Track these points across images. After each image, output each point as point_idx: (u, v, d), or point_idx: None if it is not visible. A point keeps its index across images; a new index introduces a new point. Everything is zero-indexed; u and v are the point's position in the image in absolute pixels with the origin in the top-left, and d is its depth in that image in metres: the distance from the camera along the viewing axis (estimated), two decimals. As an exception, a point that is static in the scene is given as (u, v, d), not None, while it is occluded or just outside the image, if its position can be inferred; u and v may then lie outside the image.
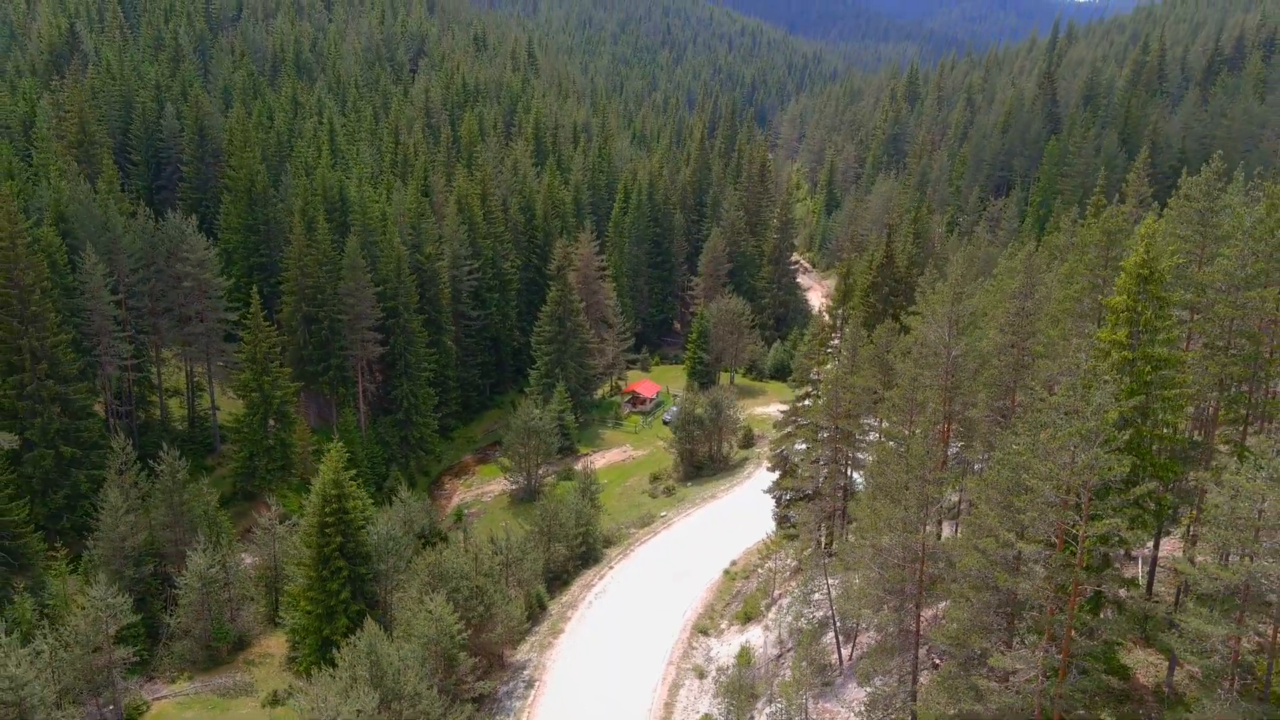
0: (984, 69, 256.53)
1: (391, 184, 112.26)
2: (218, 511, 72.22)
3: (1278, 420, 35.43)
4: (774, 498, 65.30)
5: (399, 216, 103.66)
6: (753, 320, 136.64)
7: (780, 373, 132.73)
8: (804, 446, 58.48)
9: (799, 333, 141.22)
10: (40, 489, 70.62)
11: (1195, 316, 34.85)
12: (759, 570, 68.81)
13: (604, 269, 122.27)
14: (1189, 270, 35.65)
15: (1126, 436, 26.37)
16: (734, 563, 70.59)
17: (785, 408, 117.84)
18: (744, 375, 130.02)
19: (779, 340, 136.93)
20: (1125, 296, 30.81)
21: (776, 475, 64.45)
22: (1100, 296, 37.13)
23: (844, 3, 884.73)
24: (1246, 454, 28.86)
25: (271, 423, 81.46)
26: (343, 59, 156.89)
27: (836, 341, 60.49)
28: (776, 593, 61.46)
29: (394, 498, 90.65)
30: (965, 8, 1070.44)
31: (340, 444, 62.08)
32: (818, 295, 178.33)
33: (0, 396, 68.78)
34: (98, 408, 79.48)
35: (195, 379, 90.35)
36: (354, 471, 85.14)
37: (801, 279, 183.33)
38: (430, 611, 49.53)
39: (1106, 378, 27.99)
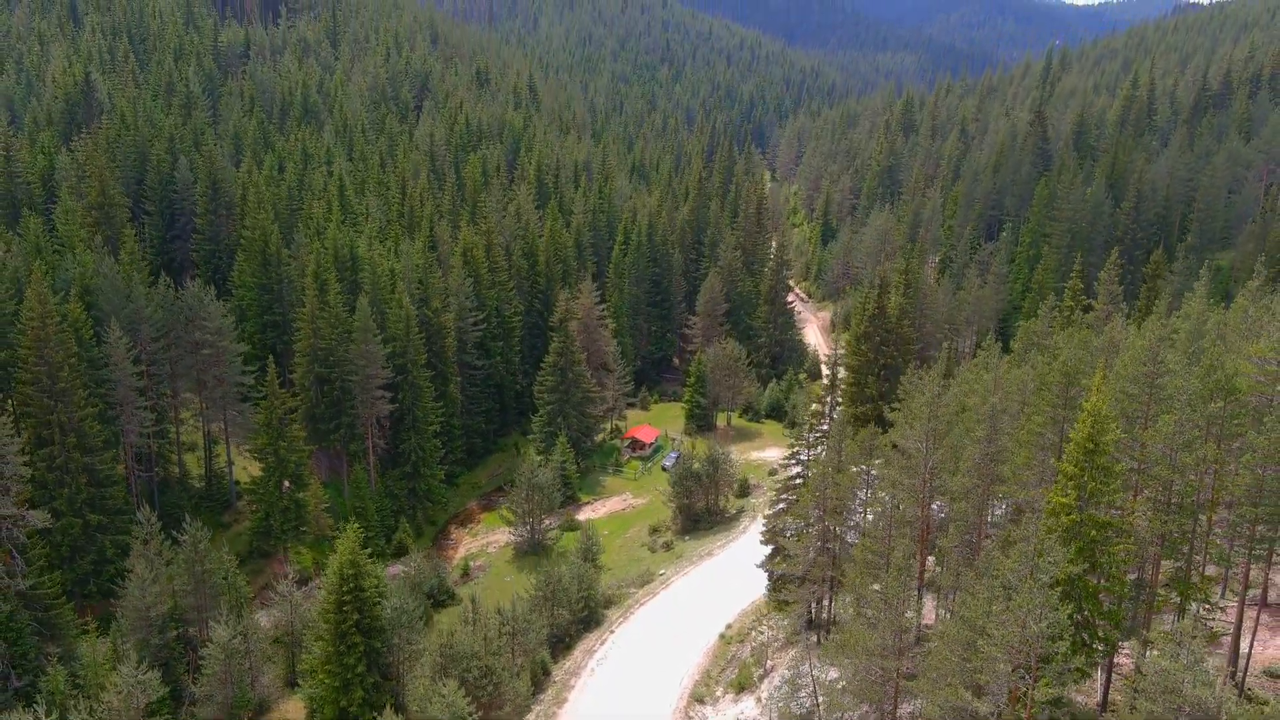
0: (978, 95, 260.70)
1: (399, 237, 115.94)
2: (236, 575, 75.71)
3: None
4: (766, 572, 68.83)
5: (407, 272, 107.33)
6: (749, 363, 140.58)
7: (776, 412, 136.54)
8: (795, 524, 61.99)
9: (794, 374, 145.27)
10: (68, 555, 74.19)
11: (1140, 471, 38.36)
12: (753, 633, 72.35)
13: (604, 317, 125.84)
14: (1135, 429, 39.17)
15: (1069, 611, 29.84)
16: (729, 626, 74.02)
17: (780, 452, 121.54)
18: (740, 416, 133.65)
19: (775, 380, 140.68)
20: (1073, 465, 34.39)
21: (769, 549, 67.92)
22: (1063, 428, 40.67)
23: (842, 11, 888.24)
24: (1169, 636, 32.09)
25: (286, 484, 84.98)
26: (349, 99, 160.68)
27: (826, 426, 63.96)
28: (769, 664, 64.96)
29: (403, 555, 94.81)
30: (964, 14, 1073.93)
31: (356, 525, 65.51)
32: (814, 328, 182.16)
33: (31, 469, 72.27)
34: (119, 467, 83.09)
35: (211, 436, 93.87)
36: (364, 532, 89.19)
37: (798, 308, 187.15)
38: (444, 696, 53.05)
39: (1054, 549, 31.48)
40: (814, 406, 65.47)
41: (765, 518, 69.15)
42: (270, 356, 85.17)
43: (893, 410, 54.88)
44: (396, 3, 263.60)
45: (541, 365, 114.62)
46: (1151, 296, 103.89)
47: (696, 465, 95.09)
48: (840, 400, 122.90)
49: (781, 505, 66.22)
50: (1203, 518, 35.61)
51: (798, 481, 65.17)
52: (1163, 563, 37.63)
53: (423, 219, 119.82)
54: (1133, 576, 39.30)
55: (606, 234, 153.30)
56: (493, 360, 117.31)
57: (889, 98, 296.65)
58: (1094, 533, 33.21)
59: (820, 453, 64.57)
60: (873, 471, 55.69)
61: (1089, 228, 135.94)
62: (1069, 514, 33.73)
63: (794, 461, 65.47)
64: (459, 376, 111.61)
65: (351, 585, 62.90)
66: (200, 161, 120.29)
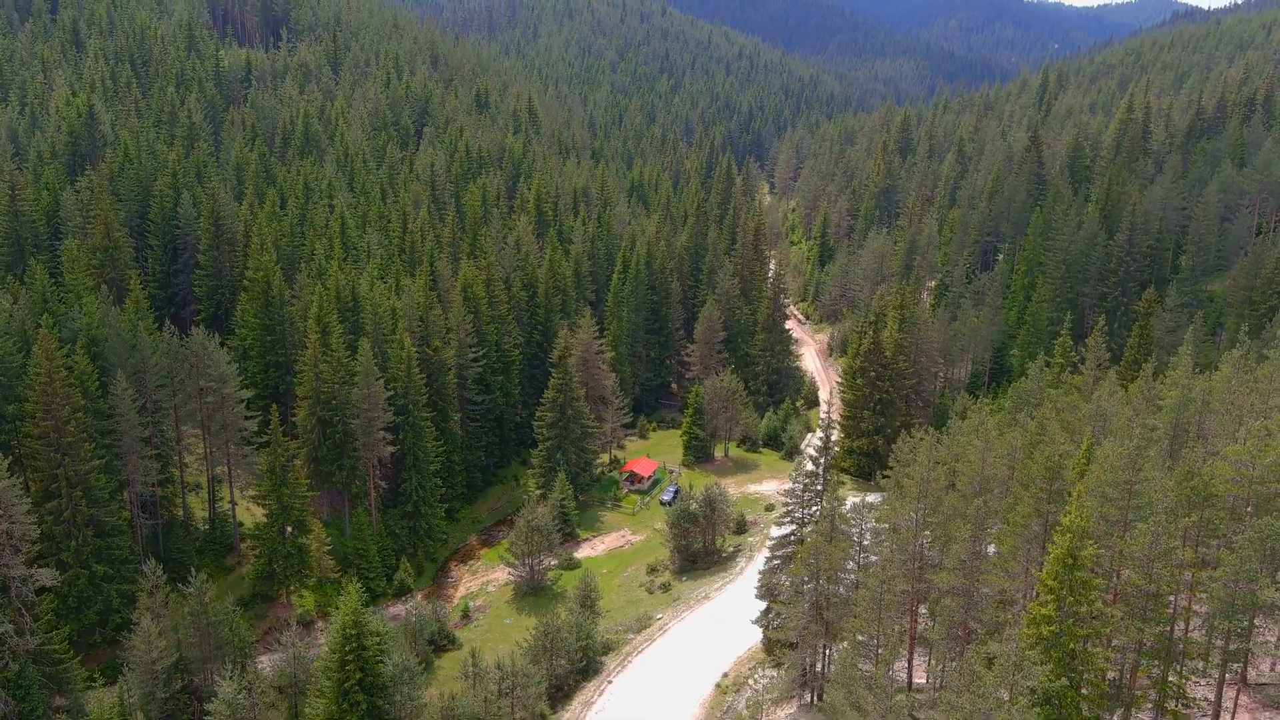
0: (975, 113, 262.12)
1: (401, 273, 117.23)
2: (240, 624, 76.90)
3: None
4: (760, 628, 70.06)
5: (408, 310, 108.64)
6: (746, 391, 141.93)
7: (773, 441, 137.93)
8: (789, 583, 63.20)
9: (791, 402, 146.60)
10: (75, 606, 75.39)
11: (1119, 578, 39.65)
12: (749, 682, 73.62)
13: (602, 351, 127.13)
14: (1114, 534, 40.43)
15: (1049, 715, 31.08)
16: (725, 675, 75.22)
17: (777, 485, 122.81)
18: (737, 446, 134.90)
19: (772, 410, 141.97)
20: (1053, 579, 35.68)
21: (764, 605, 69.17)
22: (1048, 519, 41.95)
23: (841, 15, 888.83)
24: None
25: (289, 529, 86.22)
26: (350, 128, 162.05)
27: (820, 487, 65.19)
28: (764, 718, 66.21)
29: (404, 594, 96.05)
30: (963, 19, 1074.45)
31: (359, 584, 66.76)
32: (811, 351, 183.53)
33: (39, 522, 73.49)
34: (124, 514, 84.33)
35: (215, 476, 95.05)
36: (366, 573, 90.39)
37: (795, 331, 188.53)
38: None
39: (1034, 661, 32.72)
40: (808, 466, 66.66)
41: (760, 573, 70.38)
42: (274, 405, 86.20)
43: (884, 478, 56.00)
44: (397, 23, 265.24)
45: (541, 400, 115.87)
46: (1143, 337, 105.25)
47: (693, 506, 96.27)
48: (834, 461, 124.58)
49: (776, 562, 67.46)
50: (1180, 624, 36.86)
51: (791, 539, 66.43)
52: (1141, 661, 38.91)
53: (423, 254, 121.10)
54: (1112, 675, 40.54)
55: (605, 262, 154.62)
56: (493, 395, 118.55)
57: (887, 114, 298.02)
58: (1073, 645, 34.49)
59: (815, 511, 65.81)
60: (865, 538, 56.96)
61: (1083, 258, 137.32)
62: (1049, 625, 35.01)
63: (788, 518, 66.74)
64: (459, 413, 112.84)
65: (354, 644, 64.13)
66: (203, 196, 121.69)
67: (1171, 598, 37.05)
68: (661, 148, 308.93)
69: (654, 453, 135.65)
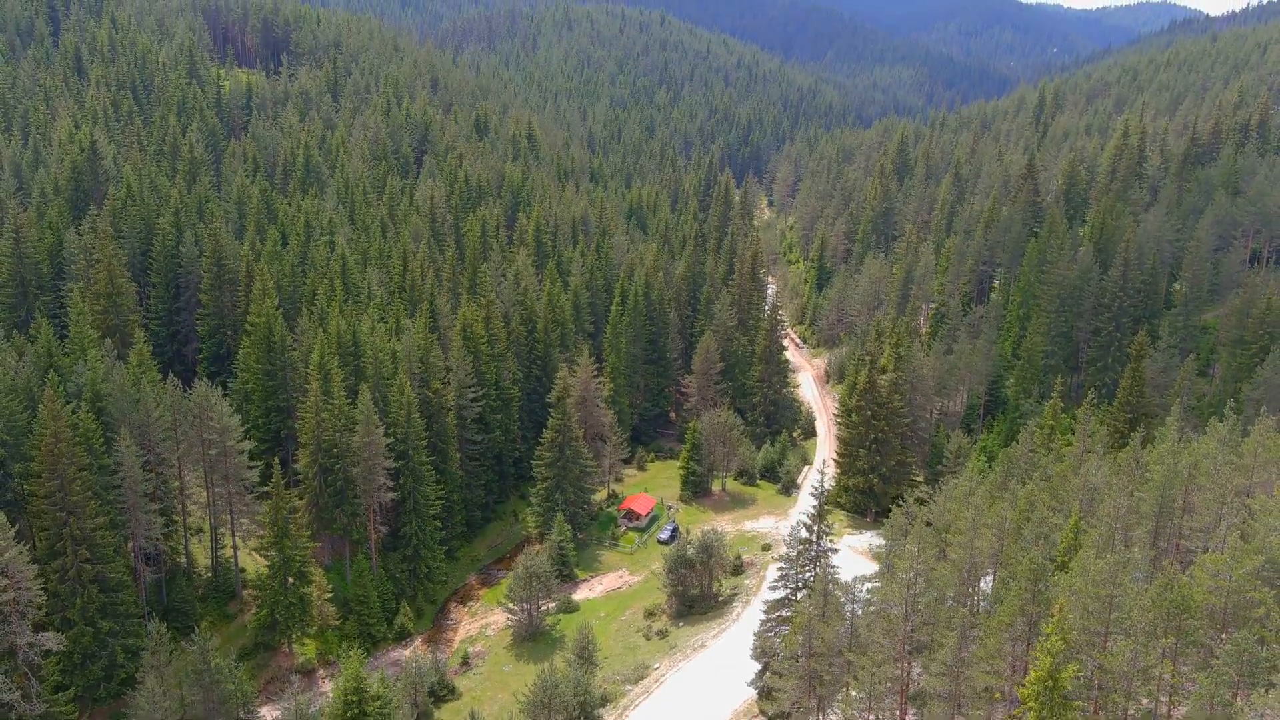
0: (973, 132, 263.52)
1: (401, 313, 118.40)
2: (243, 680, 77.98)
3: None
4: (756, 690, 71.20)
5: (408, 352, 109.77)
6: (743, 424, 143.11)
7: (770, 473, 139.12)
8: (782, 652, 64.31)
9: (788, 434, 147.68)
10: (80, 663, 76.43)
11: (1100, 690, 40.77)
12: (744, 739, 74.76)
13: (600, 389, 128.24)
14: (1093, 649, 41.53)
15: None
16: (720, 730, 76.44)
17: (774, 521, 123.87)
18: (734, 479, 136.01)
19: (769, 442, 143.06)
20: (1034, 699, 36.80)
21: (760, 664, 70.30)
22: (1032, 620, 43.06)
23: (840, 20, 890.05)
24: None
25: (290, 580, 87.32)
26: (350, 159, 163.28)
27: (814, 553, 66.37)
28: (758, 781, 67.28)
29: (404, 638, 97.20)
30: (961, 23, 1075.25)
31: (360, 650, 67.86)
32: (808, 377, 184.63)
33: (44, 580, 74.59)
34: (128, 569, 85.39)
35: (217, 521, 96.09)
36: (367, 618, 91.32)
37: (793, 355, 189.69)
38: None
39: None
40: (802, 533, 67.82)
41: (755, 634, 71.50)
42: (276, 458, 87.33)
43: (875, 556, 57.14)
44: (397, 45, 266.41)
45: (540, 441, 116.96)
46: (1135, 379, 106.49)
47: (690, 552, 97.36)
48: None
49: (771, 623, 68.57)
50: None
51: (786, 602, 67.55)
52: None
53: (424, 293, 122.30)
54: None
55: (604, 293, 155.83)
56: (492, 435, 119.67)
57: (885, 132, 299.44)
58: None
59: (810, 575, 66.94)
60: (858, 611, 58.09)
61: (1077, 292, 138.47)
62: (1029, 744, 36.26)
63: (782, 582, 67.90)
64: (459, 452, 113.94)
65: (356, 710, 65.34)
66: (205, 234, 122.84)
67: (1151, 705, 38.11)
68: (660, 163, 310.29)
69: (652, 485, 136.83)
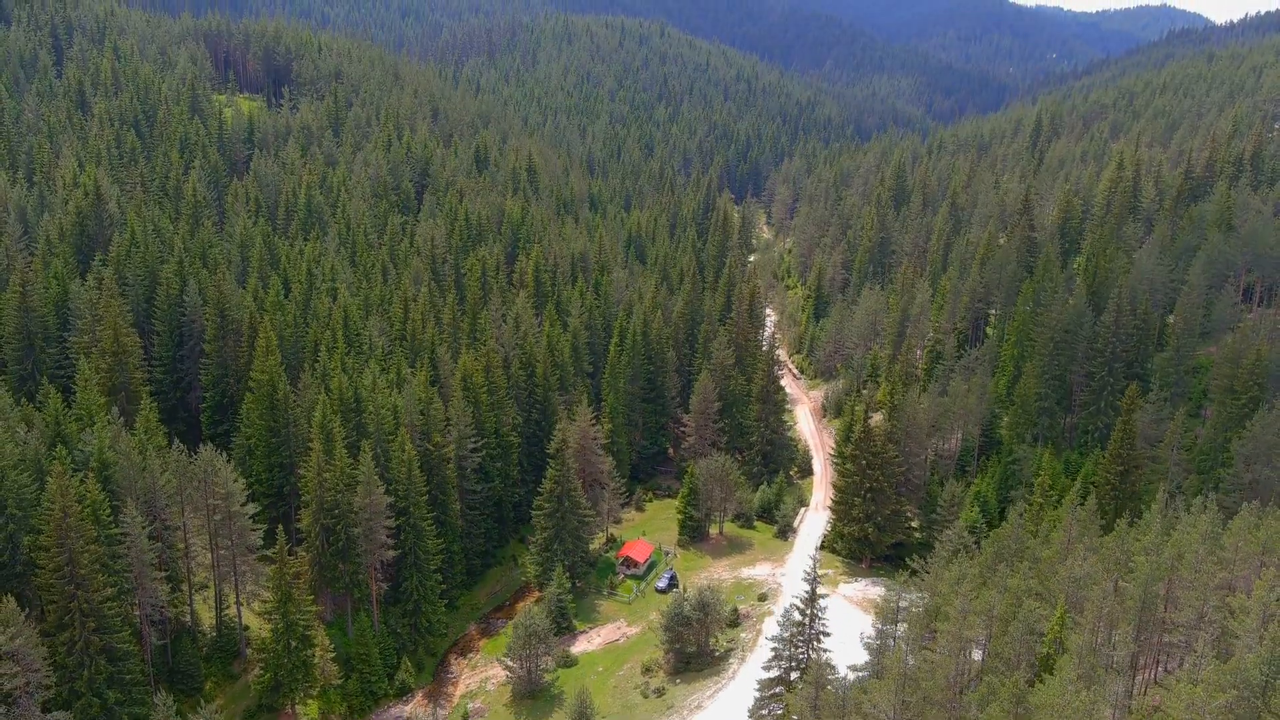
0: (970, 157, 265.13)
1: (403, 364, 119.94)
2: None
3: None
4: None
5: (409, 405, 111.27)
6: (740, 464, 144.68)
7: (767, 513, 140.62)
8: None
9: (785, 475, 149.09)
10: (87, 733, 77.91)
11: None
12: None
13: (598, 437, 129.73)
14: None
15: None
16: (716, 799, 77.89)
17: (771, 568, 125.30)
18: (732, 522, 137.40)
19: (766, 483, 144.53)
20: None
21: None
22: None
23: (839, 26, 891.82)
24: None
25: (294, 643, 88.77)
26: (351, 199, 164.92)
27: (808, 635, 67.87)
28: None
29: (405, 694, 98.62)
30: (960, 28, 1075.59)
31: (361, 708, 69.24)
32: (805, 411, 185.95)
33: (51, 653, 76.10)
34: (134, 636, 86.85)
35: (221, 578, 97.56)
36: (369, 675, 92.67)
37: (790, 386, 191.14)
38: None
39: None
40: (795, 615, 69.30)
41: (749, 710, 72.95)
42: (280, 528, 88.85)
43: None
44: (398, 74, 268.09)
45: (539, 489, 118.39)
46: (1126, 432, 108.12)
47: (687, 609, 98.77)
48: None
49: (764, 703, 70.03)
50: None
51: (779, 682, 69.03)
52: None
53: (424, 342, 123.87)
54: None
55: (603, 332, 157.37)
56: (492, 484, 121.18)
57: (883, 154, 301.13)
58: None
59: (804, 656, 68.40)
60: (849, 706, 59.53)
61: (1070, 335, 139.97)
62: None
63: (775, 663, 69.37)
64: (459, 503, 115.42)
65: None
66: (209, 283, 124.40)
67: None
68: (659, 184, 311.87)
69: (650, 527, 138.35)
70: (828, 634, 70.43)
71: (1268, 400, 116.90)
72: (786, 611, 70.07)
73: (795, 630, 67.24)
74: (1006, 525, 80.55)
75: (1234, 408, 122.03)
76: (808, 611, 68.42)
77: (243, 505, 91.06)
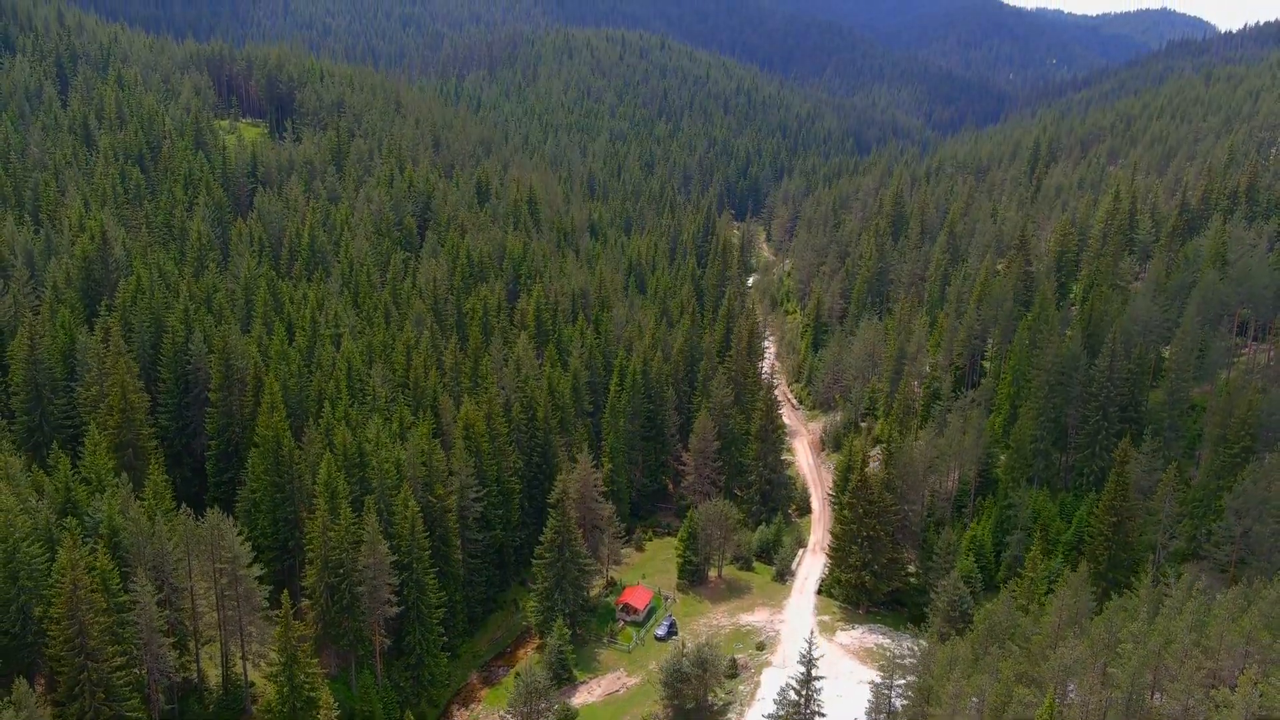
0: (968, 183, 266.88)
1: (405, 414, 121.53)
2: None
3: None
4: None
5: (411, 457, 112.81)
6: (739, 503, 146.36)
7: (766, 554, 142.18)
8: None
9: (783, 516, 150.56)
10: (97, 802, 79.45)
11: None
12: None
13: (598, 483, 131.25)
14: None
15: None
16: None
17: (769, 614, 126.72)
18: (730, 564, 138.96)
19: (765, 523, 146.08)
20: None
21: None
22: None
23: (839, 33, 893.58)
24: None
25: (298, 705, 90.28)
26: (354, 237, 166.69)
27: (804, 710, 69.34)
28: None
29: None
30: (961, 34, 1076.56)
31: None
32: (804, 443, 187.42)
33: (63, 724, 77.73)
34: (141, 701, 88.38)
35: (227, 633, 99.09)
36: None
37: (788, 417, 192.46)
38: None
39: None
40: (791, 695, 70.79)
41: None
42: (285, 590, 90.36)
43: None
44: (399, 104, 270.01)
45: (540, 538, 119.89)
46: (1119, 483, 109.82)
47: (686, 665, 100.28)
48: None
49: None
50: None
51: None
52: None
53: (427, 391, 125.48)
54: None
55: (603, 371, 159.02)
56: (493, 532, 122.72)
57: (881, 177, 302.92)
58: None
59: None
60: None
61: (1066, 378, 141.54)
62: None
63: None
64: (461, 552, 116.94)
65: None
66: (214, 333, 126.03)
67: None
68: (659, 204, 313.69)
69: (650, 568, 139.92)
70: (823, 715, 71.89)
71: (1259, 452, 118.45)
72: (782, 691, 71.52)
73: (791, 710, 68.74)
74: (998, 601, 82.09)
75: (1226, 457, 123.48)
76: (803, 692, 69.96)
77: (248, 566, 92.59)
